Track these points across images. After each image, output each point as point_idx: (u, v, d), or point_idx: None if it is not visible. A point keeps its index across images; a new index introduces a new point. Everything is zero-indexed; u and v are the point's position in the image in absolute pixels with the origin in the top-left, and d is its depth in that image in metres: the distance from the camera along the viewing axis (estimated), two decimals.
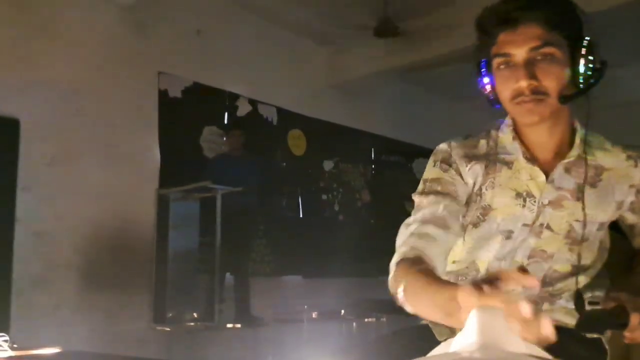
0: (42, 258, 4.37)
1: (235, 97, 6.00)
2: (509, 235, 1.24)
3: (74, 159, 4.65)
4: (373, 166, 7.57)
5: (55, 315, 4.32)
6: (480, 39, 1.22)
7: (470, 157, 1.27)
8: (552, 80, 1.12)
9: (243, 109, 6.08)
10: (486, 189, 1.25)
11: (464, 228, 1.26)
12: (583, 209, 1.19)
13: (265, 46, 6.14)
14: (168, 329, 4.85)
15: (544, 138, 1.23)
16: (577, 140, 1.22)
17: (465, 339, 0.72)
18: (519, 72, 1.13)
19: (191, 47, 5.57)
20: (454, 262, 1.31)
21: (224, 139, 5.77)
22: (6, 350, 1.68)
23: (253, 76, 6.07)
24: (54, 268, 4.43)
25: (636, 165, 1.24)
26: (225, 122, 5.90)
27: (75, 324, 4.39)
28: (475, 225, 1.26)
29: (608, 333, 1.23)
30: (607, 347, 1.22)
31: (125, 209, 4.91)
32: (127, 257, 4.86)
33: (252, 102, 6.16)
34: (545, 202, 1.21)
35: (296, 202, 6.46)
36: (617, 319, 1.00)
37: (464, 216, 1.26)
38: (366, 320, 5.78)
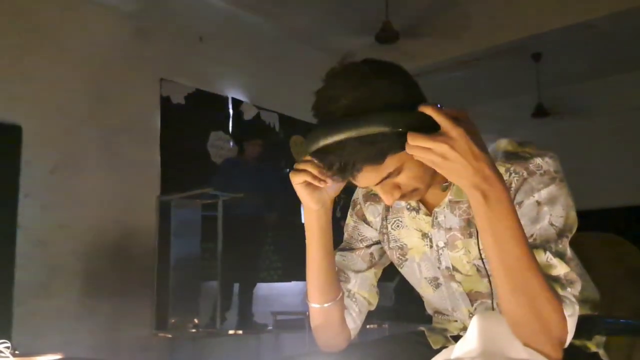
0: (44, 265, 4.37)
1: (239, 103, 6.02)
2: (436, 284, 1.24)
3: (76, 166, 4.66)
4: None
5: (57, 322, 4.32)
6: None
7: (368, 196, 1.32)
8: (411, 180, 1.05)
9: (248, 115, 6.10)
10: (393, 228, 1.27)
11: (377, 265, 1.34)
12: (478, 246, 1.14)
13: (267, 52, 6.15)
14: (170, 336, 4.84)
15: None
16: (454, 186, 1.15)
17: (467, 345, 0.71)
18: (382, 196, 1.07)
19: (193, 53, 5.59)
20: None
21: (230, 144, 5.80)
22: (8, 357, 1.68)
23: (255, 82, 6.09)
24: (56, 275, 4.43)
25: (509, 176, 1.09)
26: (230, 128, 5.91)
27: (77, 330, 4.38)
28: (400, 266, 1.29)
29: (602, 339, 1.22)
30: None
31: (126, 216, 4.92)
32: (128, 263, 4.86)
33: (255, 108, 6.18)
34: (441, 244, 1.19)
35: (299, 208, 6.46)
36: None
37: (378, 257, 1.34)
38: (368, 326, 5.77)
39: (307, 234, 1.20)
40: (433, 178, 1.10)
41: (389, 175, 1.03)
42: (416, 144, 0.91)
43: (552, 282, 0.98)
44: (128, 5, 5.06)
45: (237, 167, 5.57)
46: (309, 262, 1.22)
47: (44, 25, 4.62)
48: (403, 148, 0.97)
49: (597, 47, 6.37)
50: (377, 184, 1.05)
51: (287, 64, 6.36)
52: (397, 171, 1.03)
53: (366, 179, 1.03)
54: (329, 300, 1.21)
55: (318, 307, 1.22)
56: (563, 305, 0.96)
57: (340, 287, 1.25)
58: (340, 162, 1.00)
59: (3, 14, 4.40)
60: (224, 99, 5.90)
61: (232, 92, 5.95)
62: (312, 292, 1.22)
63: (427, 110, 0.92)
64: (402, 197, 1.08)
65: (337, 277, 1.24)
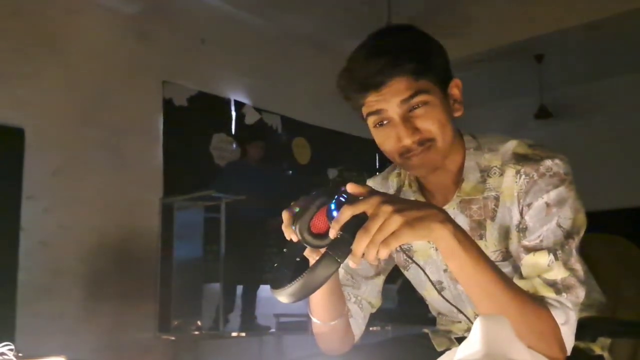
0: (47, 267, 4.37)
1: (242, 105, 6.02)
2: (441, 287, 1.23)
3: (79, 168, 4.66)
4: (378, 174, 7.55)
5: (60, 324, 4.32)
6: (346, 101, 1.14)
7: None
8: (434, 124, 1.07)
9: (251, 117, 6.10)
10: None
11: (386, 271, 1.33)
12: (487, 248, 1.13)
13: (269, 54, 6.15)
14: (173, 338, 4.85)
15: (439, 177, 1.17)
16: (463, 183, 1.15)
17: (470, 347, 0.71)
18: (398, 130, 1.07)
19: (196, 56, 5.59)
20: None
21: (233, 146, 5.81)
22: (11, 359, 1.68)
23: (257, 85, 6.09)
24: (59, 277, 4.43)
25: (519, 178, 1.09)
26: (233, 130, 5.91)
27: (80, 333, 4.38)
28: (405, 268, 1.29)
29: (607, 342, 1.21)
30: None
31: (129, 218, 4.92)
32: (131, 265, 4.86)
33: (257, 111, 6.18)
34: None
35: None
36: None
37: (384, 263, 1.31)
38: (371, 329, 5.76)
39: None
40: (450, 149, 1.11)
41: (414, 95, 1.04)
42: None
43: (546, 286, 0.98)
44: (130, 8, 5.07)
45: (240, 170, 5.57)
46: None
47: (46, 28, 4.62)
48: (441, 87, 1.07)
49: (600, 48, 6.36)
50: (403, 101, 1.05)
51: (289, 66, 6.36)
52: (423, 102, 1.06)
53: (394, 89, 1.04)
54: (334, 319, 1.19)
55: (322, 324, 1.20)
56: (554, 312, 0.95)
57: (345, 304, 1.23)
58: (378, 69, 1.03)
59: (6, 17, 4.41)
60: (227, 101, 5.90)
61: (235, 95, 5.95)
62: (315, 311, 1.20)
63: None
64: (417, 147, 1.07)
65: (342, 296, 1.22)
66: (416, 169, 1.13)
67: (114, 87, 4.95)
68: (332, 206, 0.89)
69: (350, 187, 0.90)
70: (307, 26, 6.17)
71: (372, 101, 1.07)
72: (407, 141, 1.07)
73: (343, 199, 0.89)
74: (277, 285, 0.88)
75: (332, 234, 0.86)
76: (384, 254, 0.84)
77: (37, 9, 4.59)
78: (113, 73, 4.97)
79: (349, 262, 0.85)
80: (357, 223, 0.85)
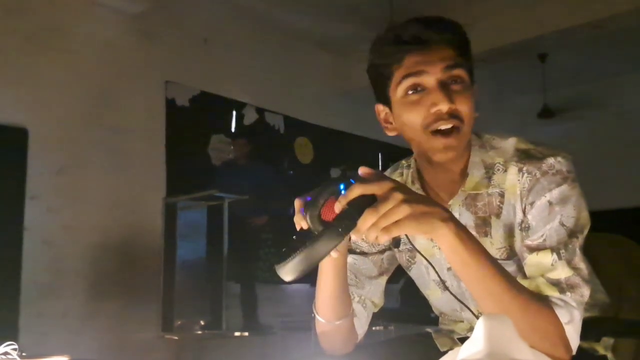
0: (51, 266, 4.38)
1: (242, 105, 6.02)
2: (444, 287, 1.23)
3: (82, 168, 4.67)
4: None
5: (64, 324, 4.33)
6: (378, 62, 1.12)
7: None
8: (466, 105, 1.06)
9: (250, 117, 6.10)
10: None
11: (389, 271, 1.34)
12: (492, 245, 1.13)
13: (272, 54, 6.15)
14: (176, 338, 4.85)
15: (445, 174, 1.16)
16: (468, 178, 1.14)
17: (473, 347, 0.71)
18: (436, 95, 1.05)
19: (198, 55, 5.59)
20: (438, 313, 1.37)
21: (231, 147, 5.80)
22: (15, 359, 1.69)
23: (260, 84, 6.09)
24: (62, 276, 4.44)
25: (522, 176, 1.08)
26: (233, 130, 5.91)
27: (83, 332, 4.39)
28: (408, 268, 1.29)
29: (610, 342, 1.21)
30: None
31: (133, 218, 4.92)
32: (135, 265, 4.87)
33: (259, 111, 6.18)
34: None
35: None
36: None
37: (387, 263, 1.33)
38: (374, 328, 5.76)
39: (321, 270, 1.16)
40: (465, 150, 1.12)
41: (457, 66, 1.06)
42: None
43: (550, 285, 0.98)
44: (133, 8, 5.07)
45: (230, 169, 5.59)
46: (320, 289, 1.19)
47: (49, 28, 4.63)
48: (471, 80, 1.09)
49: (604, 47, 6.35)
50: (446, 68, 1.06)
51: (292, 66, 6.36)
52: (461, 78, 1.07)
53: (440, 54, 1.05)
54: (340, 318, 1.19)
55: (326, 323, 1.20)
56: (558, 311, 0.94)
57: (350, 303, 1.23)
58: (429, 27, 1.06)
59: (8, 17, 4.42)
60: (229, 101, 5.90)
61: (237, 94, 5.95)
62: (322, 309, 1.20)
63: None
64: (448, 118, 1.06)
65: (348, 295, 1.21)
66: (442, 152, 1.09)
67: (117, 87, 4.96)
68: (342, 187, 0.89)
69: (362, 170, 0.90)
70: (310, 25, 6.17)
71: (415, 61, 1.06)
72: (444, 107, 1.05)
73: (353, 182, 0.89)
74: (279, 262, 0.89)
75: (338, 208, 0.87)
76: (383, 239, 0.85)
77: (40, 9, 4.59)
78: (116, 73, 4.97)
79: (351, 234, 0.85)
80: (365, 202, 0.85)
